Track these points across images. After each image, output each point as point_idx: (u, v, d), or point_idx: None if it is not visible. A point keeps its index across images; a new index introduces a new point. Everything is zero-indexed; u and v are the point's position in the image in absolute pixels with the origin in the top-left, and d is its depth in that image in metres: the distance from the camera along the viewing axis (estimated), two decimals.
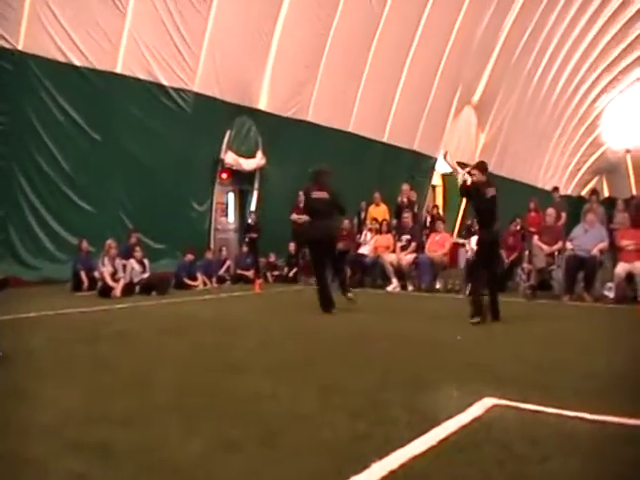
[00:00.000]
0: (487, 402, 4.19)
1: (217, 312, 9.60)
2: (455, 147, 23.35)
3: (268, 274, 15.11)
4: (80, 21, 12.38)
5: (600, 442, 3.52)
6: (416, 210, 15.55)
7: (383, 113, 19.99)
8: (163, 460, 3.22)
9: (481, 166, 8.52)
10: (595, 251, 11.12)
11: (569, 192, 31.54)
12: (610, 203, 16.94)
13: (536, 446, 3.41)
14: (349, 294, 9.39)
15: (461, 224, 21.49)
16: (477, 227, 9.44)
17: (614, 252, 11.75)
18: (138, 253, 12.23)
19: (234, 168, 15.84)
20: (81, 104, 12.80)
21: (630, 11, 25.65)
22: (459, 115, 23.71)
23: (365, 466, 3.06)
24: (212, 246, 15.31)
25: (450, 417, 3.85)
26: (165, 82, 14.01)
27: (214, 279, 13.94)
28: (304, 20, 16.11)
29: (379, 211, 14.90)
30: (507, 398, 4.28)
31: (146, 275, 12.14)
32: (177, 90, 14.30)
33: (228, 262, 14.68)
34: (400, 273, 13.26)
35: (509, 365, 5.53)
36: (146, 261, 12.32)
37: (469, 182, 8.25)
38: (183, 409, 4.08)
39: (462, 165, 24.84)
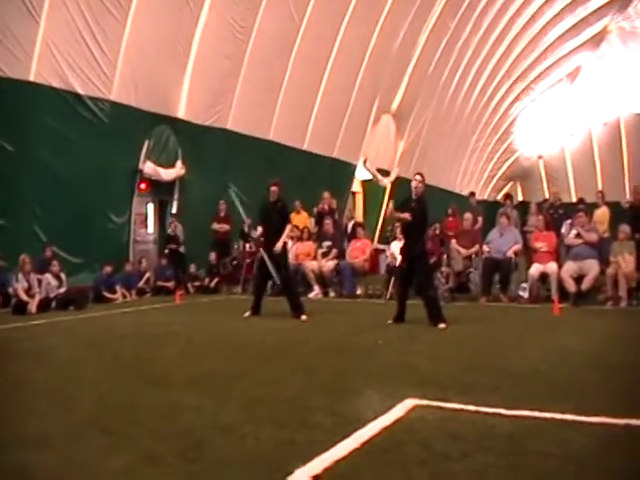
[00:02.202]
0: (409, 403, 4.27)
1: (137, 325, 9.40)
2: (374, 154, 23.63)
3: (189, 285, 14.93)
4: None
5: (517, 436, 3.63)
6: (336, 217, 15.63)
7: (303, 121, 20.06)
8: None
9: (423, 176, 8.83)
10: (510, 253, 11.50)
11: (485, 197, 32.38)
12: (524, 207, 17.50)
13: (456, 443, 3.50)
14: (303, 316, 9.24)
15: (381, 230, 21.73)
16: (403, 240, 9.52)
17: (528, 254, 12.16)
18: (55, 267, 11.87)
19: (153, 178, 15.51)
20: None
21: (541, 22, 26.59)
22: (378, 123, 24.03)
23: (288, 473, 3.07)
24: (131, 258, 14.96)
25: (373, 419, 3.90)
26: (81, 91, 13.57)
27: (134, 291, 13.68)
28: (223, 28, 15.96)
29: (300, 218, 14.93)
30: (428, 398, 4.37)
31: (63, 290, 11.80)
32: (93, 99, 13.88)
33: (148, 274, 14.43)
34: (322, 280, 13.33)
35: (430, 366, 5.65)
36: (63, 275, 11.97)
37: (389, 187, 8.48)
38: (103, 426, 3.97)
39: (382, 172, 25.11)
